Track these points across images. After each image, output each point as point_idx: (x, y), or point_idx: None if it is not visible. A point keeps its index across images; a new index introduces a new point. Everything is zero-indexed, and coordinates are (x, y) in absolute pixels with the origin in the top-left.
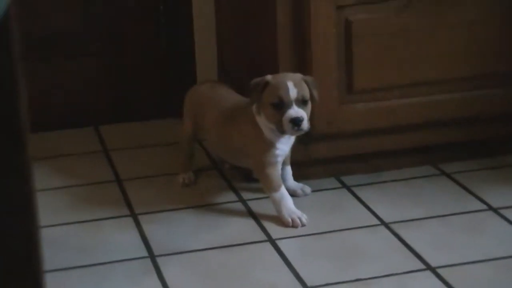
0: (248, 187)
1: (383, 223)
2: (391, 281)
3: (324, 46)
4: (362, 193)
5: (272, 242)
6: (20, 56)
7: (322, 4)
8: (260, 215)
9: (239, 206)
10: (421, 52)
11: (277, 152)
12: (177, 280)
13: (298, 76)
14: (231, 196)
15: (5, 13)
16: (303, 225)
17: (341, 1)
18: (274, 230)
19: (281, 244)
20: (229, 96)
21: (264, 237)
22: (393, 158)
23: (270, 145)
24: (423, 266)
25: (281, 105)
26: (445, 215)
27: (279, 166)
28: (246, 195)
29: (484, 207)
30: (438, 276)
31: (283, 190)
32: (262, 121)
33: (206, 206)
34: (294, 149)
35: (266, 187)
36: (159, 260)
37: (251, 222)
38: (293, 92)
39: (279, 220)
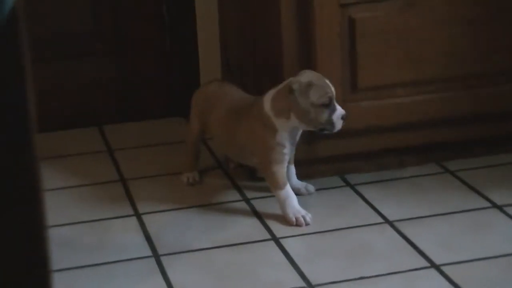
0: (253, 186)
1: (387, 221)
2: (396, 279)
3: (328, 45)
4: (366, 191)
5: (277, 241)
6: (29, 54)
7: (326, 3)
8: (264, 214)
9: (243, 205)
10: (425, 50)
11: (285, 150)
12: (182, 279)
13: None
14: (236, 195)
15: (13, 9)
16: (307, 224)
17: None
18: (279, 229)
19: (286, 242)
20: (237, 94)
21: (269, 236)
22: (397, 156)
23: (278, 144)
24: (428, 264)
25: (330, 104)
26: (450, 213)
27: (285, 164)
28: (250, 194)
29: (489, 204)
30: (443, 274)
31: (288, 188)
32: (285, 123)
33: (210, 206)
34: (298, 147)
35: (271, 185)
36: (164, 259)
37: (255, 221)
38: (334, 90)
39: (284, 219)
